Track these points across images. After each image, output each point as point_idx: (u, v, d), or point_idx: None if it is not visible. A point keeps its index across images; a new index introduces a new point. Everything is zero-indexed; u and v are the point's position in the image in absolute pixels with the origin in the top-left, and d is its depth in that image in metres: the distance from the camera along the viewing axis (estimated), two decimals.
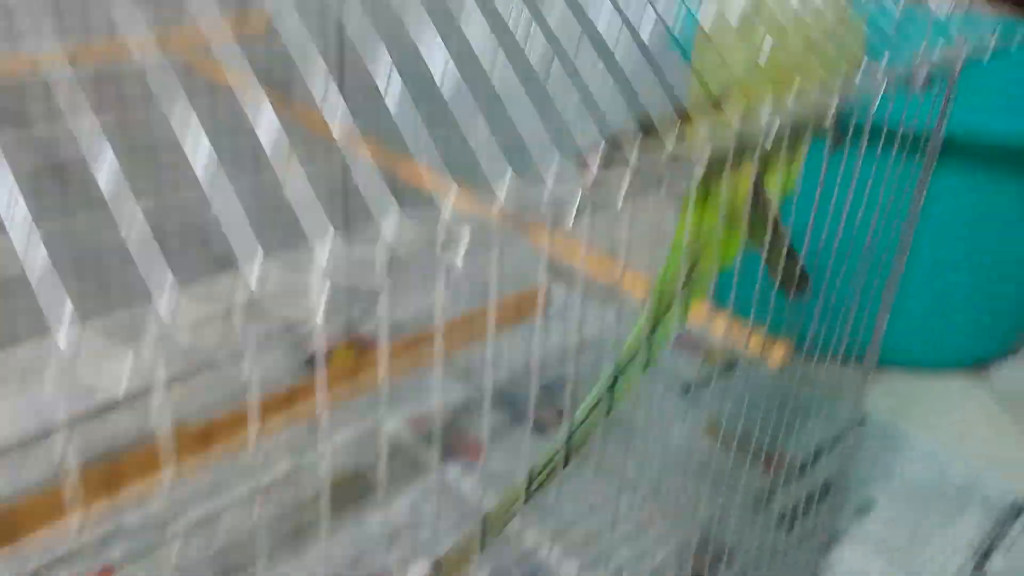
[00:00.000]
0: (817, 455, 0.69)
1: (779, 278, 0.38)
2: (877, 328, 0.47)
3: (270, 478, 0.67)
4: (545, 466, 0.40)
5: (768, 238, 0.37)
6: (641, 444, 0.67)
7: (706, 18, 0.36)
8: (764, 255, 0.37)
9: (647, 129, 0.31)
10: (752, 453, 0.46)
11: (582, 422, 0.41)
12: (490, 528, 0.41)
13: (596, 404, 0.41)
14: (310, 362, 0.82)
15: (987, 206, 0.77)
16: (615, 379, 0.40)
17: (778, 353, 0.36)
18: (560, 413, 0.75)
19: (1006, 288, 0.85)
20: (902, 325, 0.83)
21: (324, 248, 0.23)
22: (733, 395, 0.45)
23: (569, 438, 0.40)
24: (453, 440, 0.73)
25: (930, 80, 0.33)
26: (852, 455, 0.74)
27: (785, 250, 0.38)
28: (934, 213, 0.76)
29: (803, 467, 0.64)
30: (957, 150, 0.70)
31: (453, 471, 0.69)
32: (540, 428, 0.74)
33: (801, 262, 0.39)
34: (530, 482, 0.40)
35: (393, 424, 0.74)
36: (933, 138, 0.38)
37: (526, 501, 0.40)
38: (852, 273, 0.42)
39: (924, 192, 0.41)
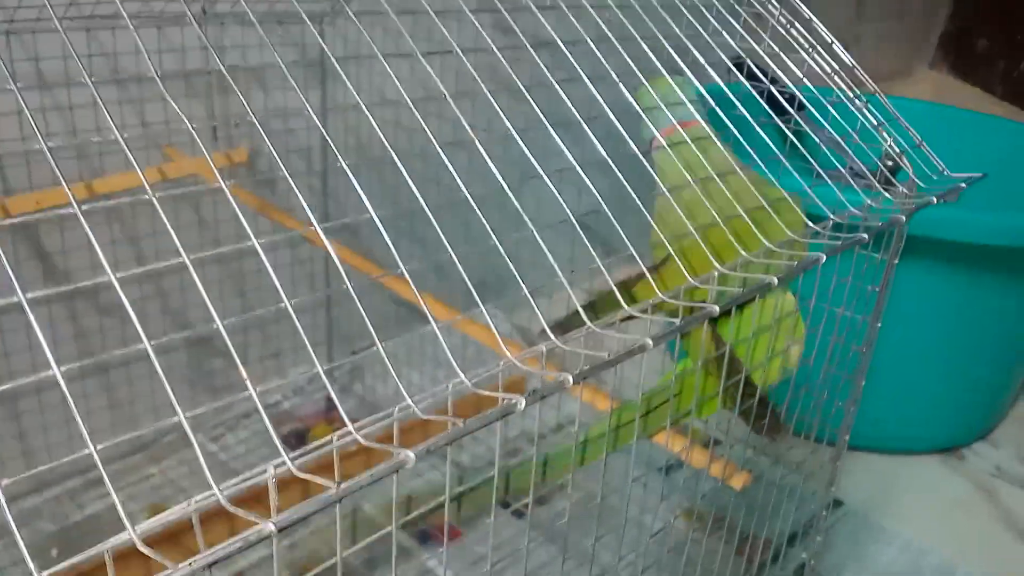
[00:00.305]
0: (792, 539, 0.70)
1: (751, 423, 0.40)
2: (847, 415, 0.48)
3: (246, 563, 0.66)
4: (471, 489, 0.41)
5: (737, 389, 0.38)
6: (617, 525, 0.67)
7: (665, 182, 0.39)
8: (735, 403, 0.39)
9: (595, 306, 0.34)
10: (727, 537, 0.47)
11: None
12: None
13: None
14: (286, 441, 0.82)
15: (956, 298, 0.79)
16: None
17: (740, 479, 0.37)
18: (540, 497, 0.75)
19: (978, 373, 0.86)
20: (878, 410, 0.85)
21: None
22: (709, 478, 0.45)
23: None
24: (432, 524, 0.72)
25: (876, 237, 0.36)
26: (827, 540, 0.74)
27: (756, 399, 0.39)
28: (905, 305, 0.78)
29: (777, 552, 0.64)
30: (924, 245, 0.73)
31: (432, 555, 0.69)
32: (518, 512, 0.73)
33: (774, 409, 0.41)
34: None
35: (370, 508, 0.74)
36: (895, 243, 0.40)
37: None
38: (820, 364, 0.43)
39: (887, 290, 0.43)
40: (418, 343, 0.85)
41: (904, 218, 0.36)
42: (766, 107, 0.44)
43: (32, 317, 0.24)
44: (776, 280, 0.30)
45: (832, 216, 0.35)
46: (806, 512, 0.69)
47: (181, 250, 0.26)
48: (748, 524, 0.55)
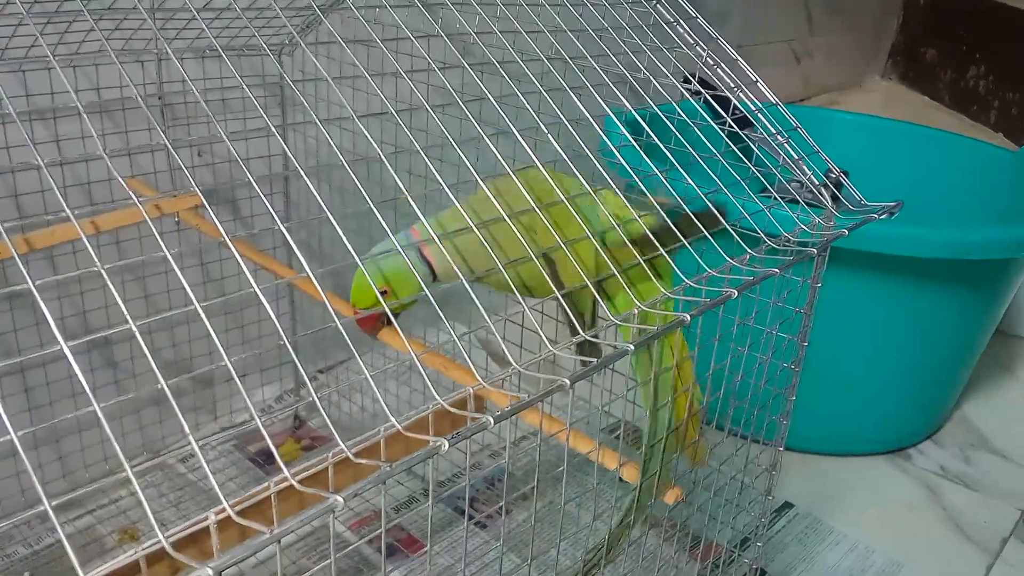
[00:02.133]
0: (744, 543, 0.73)
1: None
2: (780, 427, 0.51)
3: None
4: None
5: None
6: (575, 532, 0.70)
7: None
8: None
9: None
10: (681, 539, 0.49)
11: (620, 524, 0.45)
12: None
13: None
14: (254, 460, 0.84)
15: (899, 307, 0.83)
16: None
17: (672, 495, 0.40)
18: (501, 508, 0.78)
19: (922, 378, 0.90)
20: (827, 414, 0.89)
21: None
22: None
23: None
24: (397, 536, 0.75)
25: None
26: (778, 541, 0.78)
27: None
28: (850, 313, 0.82)
29: (729, 555, 0.67)
30: (864, 258, 0.76)
31: (397, 568, 0.71)
32: (481, 523, 0.76)
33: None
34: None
35: (336, 525, 0.76)
36: (815, 269, 0.43)
37: None
38: (750, 381, 0.46)
39: (813, 305, 0.46)
40: (381, 362, 0.87)
41: (816, 251, 0.39)
42: (714, 124, 0.47)
43: (46, 312, 0.27)
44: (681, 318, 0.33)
45: (749, 251, 0.38)
46: (757, 517, 0.73)
47: (189, 292, 0.28)
48: (699, 529, 0.58)
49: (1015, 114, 1.75)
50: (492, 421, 0.27)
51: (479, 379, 0.29)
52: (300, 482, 0.26)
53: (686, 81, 0.48)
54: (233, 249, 0.31)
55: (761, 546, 0.55)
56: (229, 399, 0.86)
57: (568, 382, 0.28)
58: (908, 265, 0.78)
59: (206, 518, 0.26)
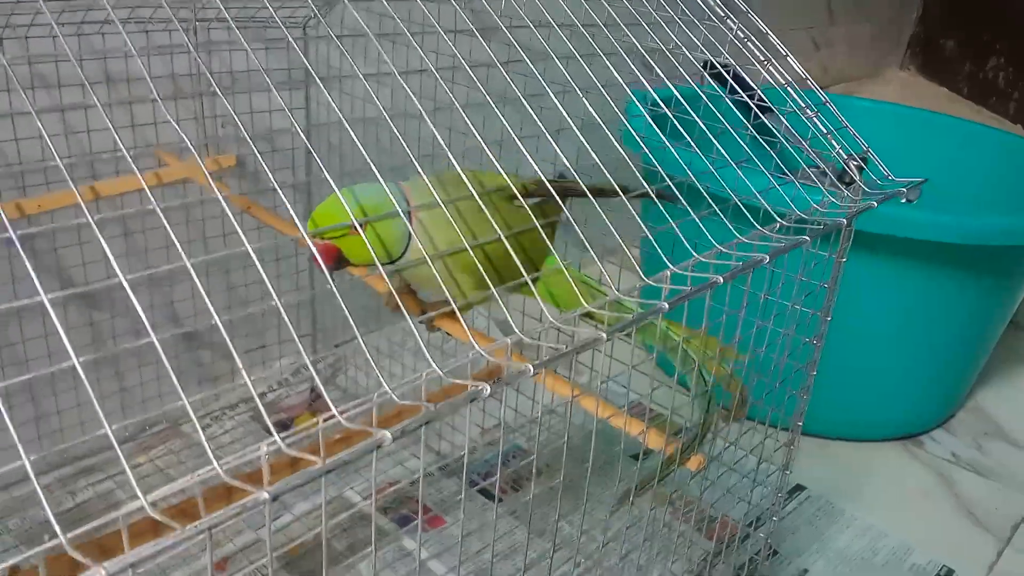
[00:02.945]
0: (756, 522, 0.73)
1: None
2: (800, 402, 0.52)
3: (232, 549, 0.69)
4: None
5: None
6: (590, 509, 0.71)
7: None
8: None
9: None
10: (697, 519, 0.50)
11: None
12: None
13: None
14: (268, 431, 0.84)
15: (915, 293, 0.83)
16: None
17: (695, 461, 0.40)
18: (515, 482, 0.79)
19: (937, 365, 0.91)
20: (842, 400, 0.89)
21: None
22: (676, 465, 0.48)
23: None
24: (414, 509, 0.75)
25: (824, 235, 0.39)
26: (790, 523, 0.78)
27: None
28: (867, 300, 0.82)
29: (742, 534, 0.67)
30: (883, 243, 0.76)
31: (411, 539, 0.72)
32: (493, 496, 0.77)
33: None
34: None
35: (352, 495, 0.76)
36: (841, 243, 0.44)
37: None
38: (772, 355, 0.47)
39: (836, 287, 0.46)
40: (400, 337, 0.88)
41: (846, 221, 0.40)
42: (733, 107, 0.47)
43: (53, 313, 0.27)
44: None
45: (779, 220, 0.38)
46: (769, 497, 0.73)
47: (185, 257, 0.29)
48: (713, 507, 0.58)
49: None
50: (532, 368, 0.27)
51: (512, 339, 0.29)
52: (346, 420, 0.26)
53: (707, 67, 0.48)
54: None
55: (777, 520, 0.56)
56: (248, 370, 0.87)
57: (604, 335, 0.28)
58: (925, 250, 0.78)
59: (258, 448, 0.26)
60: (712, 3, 0.48)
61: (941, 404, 0.96)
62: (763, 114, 0.47)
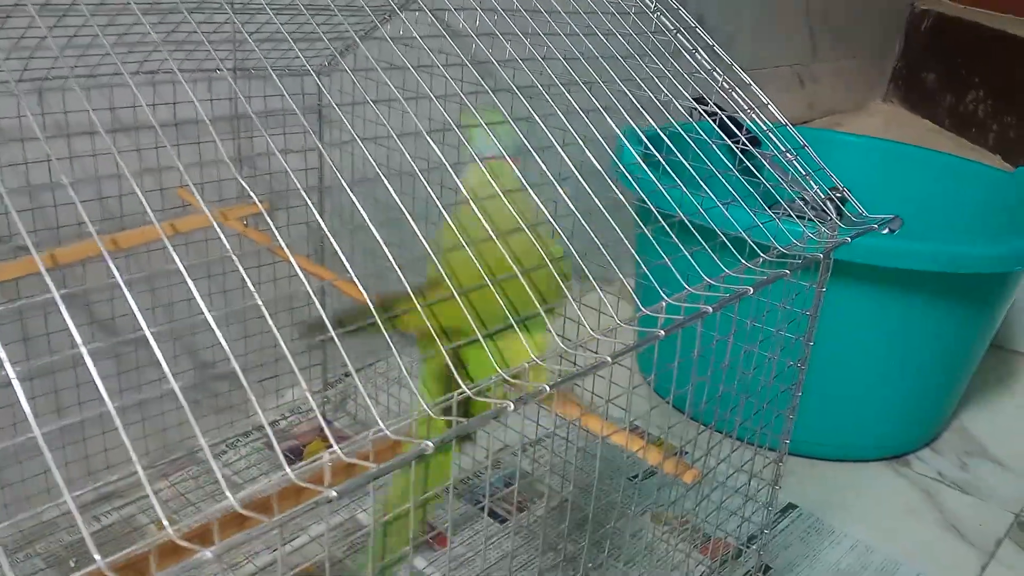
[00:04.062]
0: (751, 540, 0.77)
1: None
2: (786, 421, 0.56)
3: (251, 570, 0.72)
4: None
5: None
6: (591, 529, 0.74)
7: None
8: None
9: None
10: (691, 537, 0.53)
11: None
12: None
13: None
14: (286, 457, 0.88)
15: (899, 319, 0.87)
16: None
17: (690, 475, 0.44)
18: (520, 504, 0.82)
19: (922, 387, 0.95)
20: (831, 422, 0.93)
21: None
22: (676, 486, 0.52)
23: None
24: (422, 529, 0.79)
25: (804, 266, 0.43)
26: (782, 540, 0.82)
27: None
28: (853, 325, 0.86)
29: (739, 551, 0.71)
30: (866, 270, 0.81)
31: (419, 559, 0.75)
32: (499, 517, 0.80)
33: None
34: None
35: (364, 516, 0.80)
36: (820, 274, 0.48)
37: None
38: (758, 379, 0.51)
39: (818, 313, 0.50)
40: (410, 364, 0.91)
41: (823, 255, 0.44)
42: (728, 143, 0.52)
43: (79, 340, 0.31)
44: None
45: (762, 254, 0.42)
46: (762, 516, 0.77)
47: (197, 296, 0.33)
48: (710, 527, 0.61)
49: (1012, 137, 1.80)
50: (548, 388, 0.31)
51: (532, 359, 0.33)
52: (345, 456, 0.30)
53: (699, 101, 0.53)
54: (291, 257, 0.36)
55: (768, 534, 0.59)
56: (262, 399, 0.90)
57: (609, 359, 0.32)
58: (906, 278, 0.83)
59: (269, 484, 0.30)
60: (700, 59, 0.53)
61: (926, 425, 1.00)
62: (748, 156, 0.52)
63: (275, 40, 0.66)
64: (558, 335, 0.36)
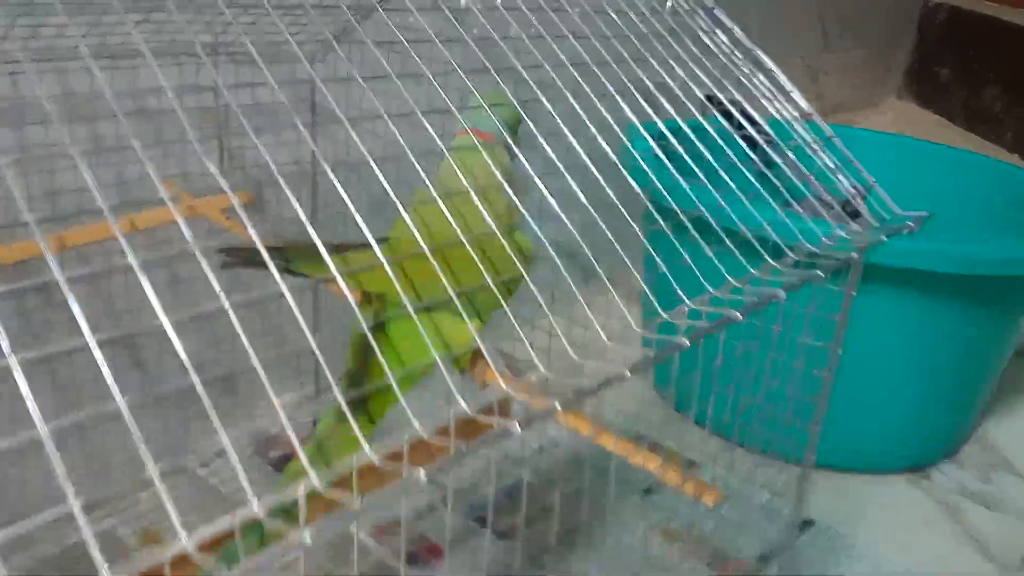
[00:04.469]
0: (767, 558, 0.73)
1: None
2: (811, 435, 0.51)
3: None
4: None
5: None
6: (599, 544, 0.70)
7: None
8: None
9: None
10: (704, 553, 0.49)
11: None
12: None
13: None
14: (275, 465, 0.84)
15: (920, 324, 0.83)
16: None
17: (711, 496, 0.40)
18: (523, 520, 0.78)
19: (944, 396, 0.90)
20: (848, 431, 0.88)
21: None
22: (689, 499, 0.48)
23: None
24: (418, 545, 0.75)
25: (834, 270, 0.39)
26: (799, 557, 0.78)
27: None
28: (871, 330, 0.82)
29: (758, 569, 0.67)
30: (888, 274, 0.76)
31: (418, 574, 0.71)
32: (502, 533, 0.76)
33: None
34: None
35: (360, 532, 0.76)
36: (851, 276, 0.44)
37: None
38: (784, 387, 0.46)
39: (847, 319, 0.46)
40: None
41: (857, 255, 0.40)
42: (739, 139, 0.48)
43: (96, 350, 0.27)
44: None
45: (790, 253, 0.38)
46: (780, 532, 0.73)
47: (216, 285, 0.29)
48: (724, 543, 0.57)
49: None
50: (558, 406, 0.27)
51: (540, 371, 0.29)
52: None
53: (709, 99, 0.49)
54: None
55: (789, 552, 0.55)
56: (252, 402, 0.86)
57: (627, 372, 0.28)
58: (929, 281, 0.79)
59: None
60: (719, 42, 0.49)
61: (947, 436, 0.96)
62: (768, 147, 0.48)
63: (265, 22, 0.62)
64: (569, 342, 0.32)
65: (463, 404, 0.27)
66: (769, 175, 0.48)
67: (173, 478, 0.79)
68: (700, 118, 0.48)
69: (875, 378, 0.86)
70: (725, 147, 0.46)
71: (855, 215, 0.47)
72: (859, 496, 0.88)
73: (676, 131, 0.48)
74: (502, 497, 0.81)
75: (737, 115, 0.49)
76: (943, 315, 0.83)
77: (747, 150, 0.48)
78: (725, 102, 0.50)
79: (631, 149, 0.43)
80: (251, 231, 0.31)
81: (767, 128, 0.48)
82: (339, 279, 0.31)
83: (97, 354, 0.27)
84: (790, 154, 0.51)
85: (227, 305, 0.29)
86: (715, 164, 0.44)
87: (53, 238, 0.59)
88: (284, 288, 0.31)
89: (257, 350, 0.79)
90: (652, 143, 0.41)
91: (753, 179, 0.45)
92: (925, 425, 0.92)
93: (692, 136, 0.48)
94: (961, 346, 0.86)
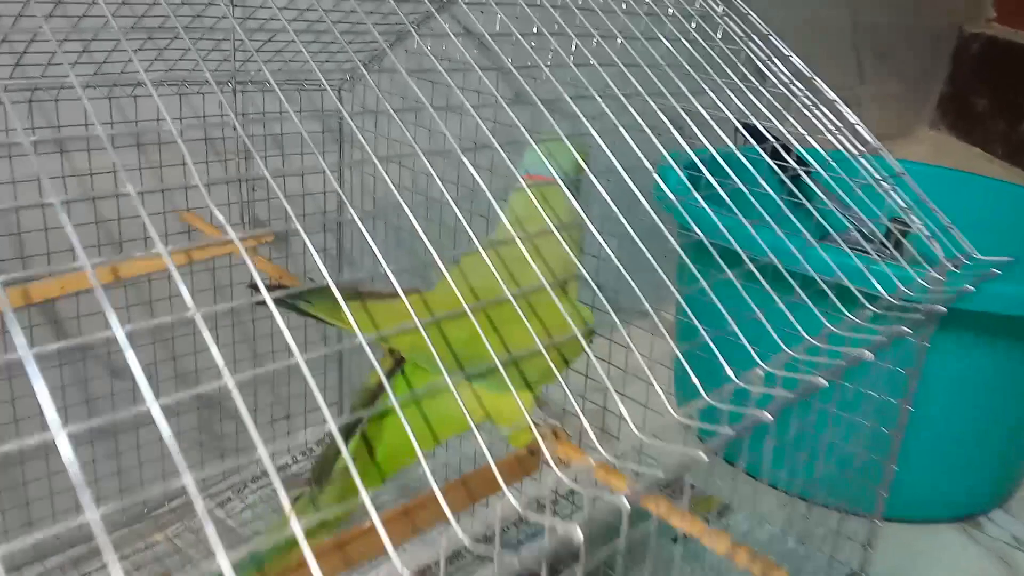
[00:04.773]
0: None
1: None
2: (879, 499, 0.47)
3: None
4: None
5: None
6: None
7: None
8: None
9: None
10: None
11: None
12: None
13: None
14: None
15: (971, 368, 0.79)
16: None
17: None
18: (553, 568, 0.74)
19: (994, 444, 0.85)
20: (898, 480, 0.84)
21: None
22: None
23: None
24: None
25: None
26: None
27: None
28: (928, 377, 0.77)
29: None
30: (948, 317, 0.72)
31: None
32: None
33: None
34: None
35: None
36: (928, 328, 0.40)
37: None
38: (852, 441, 0.43)
39: (919, 373, 0.42)
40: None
41: (944, 308, 0.36)
42: (775, 167, 0.44)
43: (36, 377, 0.24)
44: None
45: (868, 306, 0.34)
46: None
47: (227, 373, 0.26)
48: None
49: None
50: (627, 503, 0.23)
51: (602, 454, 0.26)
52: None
53: (747, 128, 0.46)
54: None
55: None
56: (271, 441, 0.83)
57: (704, 456, 0.25)
58: (982, 323, 0.74)
59: None
60: (776, 70, 0.45)
61: (999, 483, 0.91)
62: (802, 186, 0.44)
63: (292, 51, 0.59)
64: (635, 426, 0.28)
65: (514, 502, 0.24)
66: (810, 207, 0.44)
67: (186, 521, 0.76)
68: (734, 147, 0.44)
69: (924, 423, 0.82)
70: (758, 176, 0.42)
71: (897, 245, 0.44)
72: (907, 547, 0.83)
73: (706, 162, 0.45)
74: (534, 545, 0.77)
75: (779, 147, 0.46)
76: (996, 358, 0.78)
77: (786, 180, 0.44)
78: (763, 130, 0.46)
79: (692, 189, 0.40)
80: (254, 272, 0.28)
81: (806, 155, 0.45)
82: (359, 334, 0.27)
83: (162, 426, 0.24)
84: (837, 188, 0.47)
85: (302, 362, 0.26)
86: (749, 196, 0.40)
87: (101, 270, 0.56)
88: (365, 344, 0.28)
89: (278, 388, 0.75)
90: (713, 182, 0.38)
91: (796, 218, 0.42)
92: (979, 473, 0.87)
93: (740, 169, 0.44)
94: (1013, 390, 0.82)
